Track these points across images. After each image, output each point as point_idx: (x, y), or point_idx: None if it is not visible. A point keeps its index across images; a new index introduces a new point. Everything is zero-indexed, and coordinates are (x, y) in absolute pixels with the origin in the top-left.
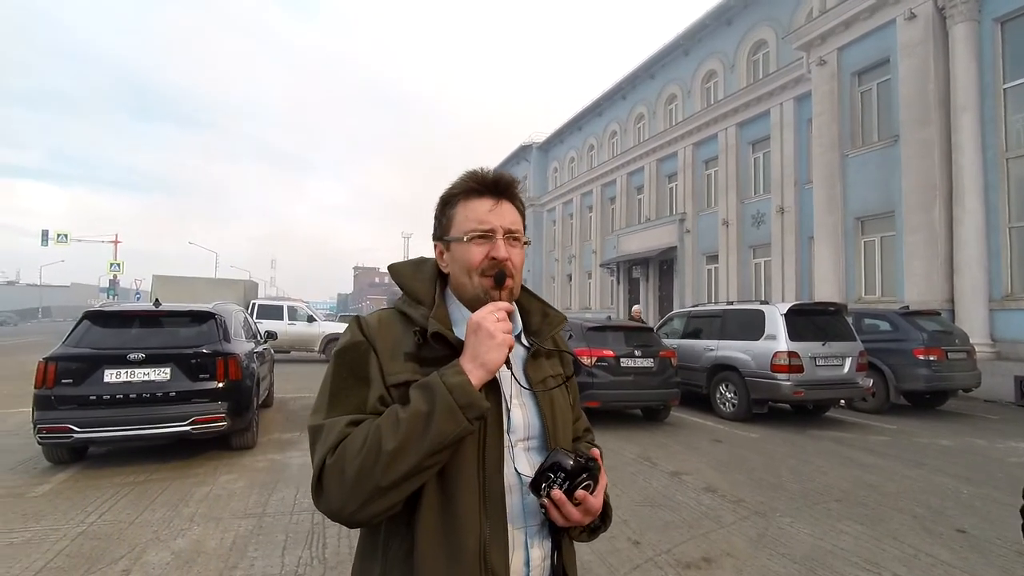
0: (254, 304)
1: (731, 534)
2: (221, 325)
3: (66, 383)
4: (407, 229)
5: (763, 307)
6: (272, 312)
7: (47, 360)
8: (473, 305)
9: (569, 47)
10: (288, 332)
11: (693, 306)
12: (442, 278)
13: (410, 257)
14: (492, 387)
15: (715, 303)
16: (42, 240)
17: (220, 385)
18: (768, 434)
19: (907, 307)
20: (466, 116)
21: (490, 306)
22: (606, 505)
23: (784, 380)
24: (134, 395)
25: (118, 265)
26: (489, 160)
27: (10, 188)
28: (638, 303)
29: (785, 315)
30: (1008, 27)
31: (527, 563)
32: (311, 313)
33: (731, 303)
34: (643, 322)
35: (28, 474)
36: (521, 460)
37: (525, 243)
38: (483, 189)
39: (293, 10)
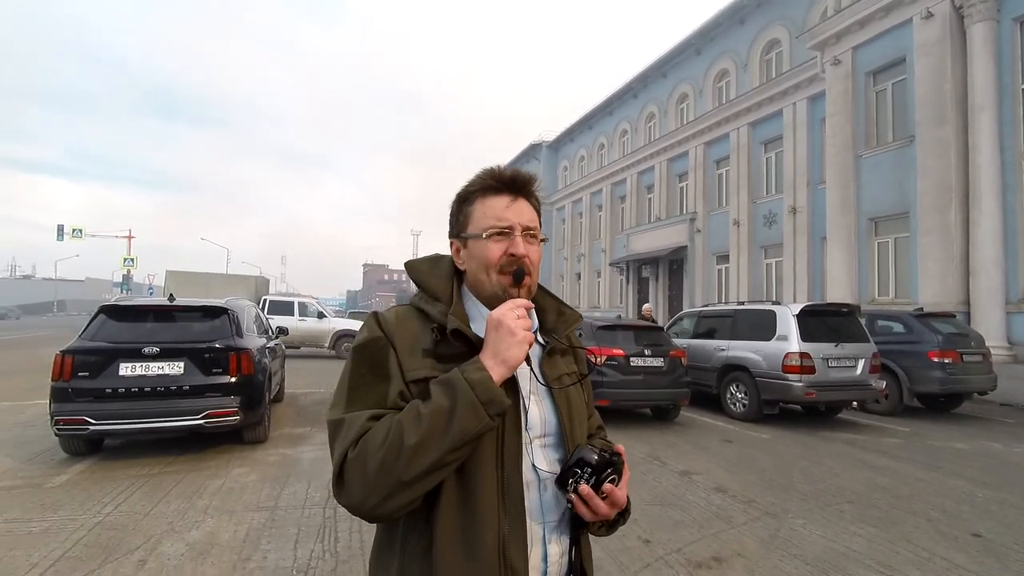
0: (265, 300)
1: (742, 534)
2: (234, 320)
3: (82, 376)
4: (416, 227)
5: (775, 307)
6: (283, 308)
7: (64, 353)
8: (491, 302)
9: (580, 46)
10: (298, 328)
11: (703, 306)
12: (458, 275)
13: (419, 254)
14: (510, 384)
15: (726, 303)
16: (58, 235)
17: (233, 380)
18: (779, 435)
19: (921, 309)
20: (476, 115)
21: (510, 303)
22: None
23: (796, 381)
24: (148, 388)
25: (132, 260)
26: (499, 159)
27: (31, 184)
28: (648, 302)
29: (797, 316)
30: None
31: (545, 559)
32: (321, 309)
33: (742, 303)
34: (653, 321)
35: (46, 465)
36: (538, 456)
37: (542, 240)
38: (501, 186)
39: (308, 12)
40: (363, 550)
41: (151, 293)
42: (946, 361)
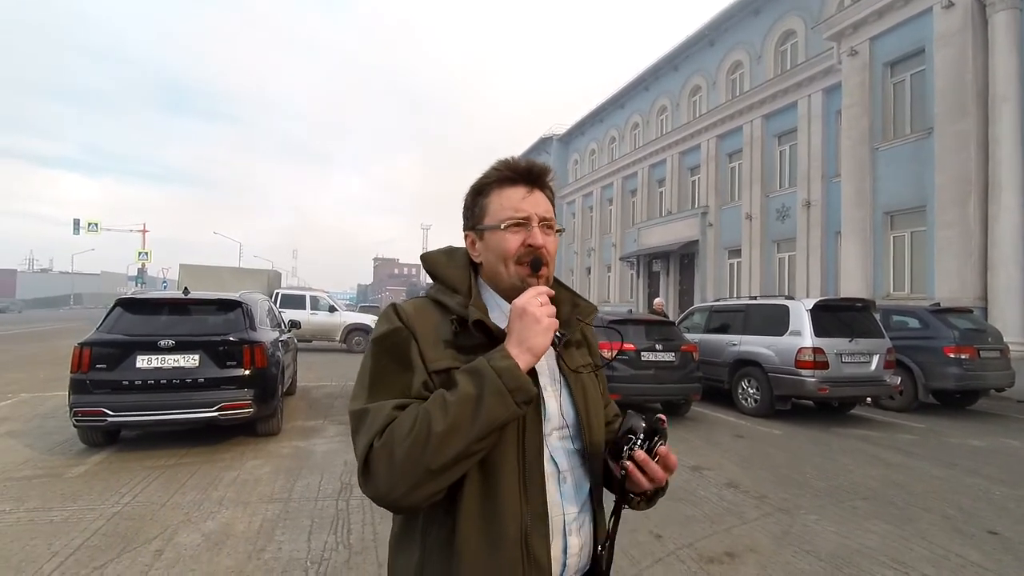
0: (277, 294)
1: (754, 530)
2: (247, 313)
3: (100, 368)
4: (427, 221)
5: (788, 302)
6: (295, 302)
7: (82, 345)
8: (508, 293)
9: (592, 39)
10: (310, 322)
11: (715, 300)
12: (473, 267)
13: (429, 248)
14: (530, 375)
15: (738, 298)
16: (74, 229)
17: (247, 372)
18: (792, 431)
19: (938, 304)
20: (487, 108)
21: (532, 291)
22: None
23: (809, 376)
24: (165, 381)
25: (146, 254)
26: (509, 152)
27: (51, 179)
28: (659, 297)
29: (811, 310)
30: None
31: (565, 550)
32: (333, 303)
33: (755, 298)
34: (665, 315)
35: (65, 455)
36: (556, 448)
37: (558, 231)
38: (517, 177)
39: (319, 5)
40: (376, 542)
41: (165, 286)
42: (963, 357)
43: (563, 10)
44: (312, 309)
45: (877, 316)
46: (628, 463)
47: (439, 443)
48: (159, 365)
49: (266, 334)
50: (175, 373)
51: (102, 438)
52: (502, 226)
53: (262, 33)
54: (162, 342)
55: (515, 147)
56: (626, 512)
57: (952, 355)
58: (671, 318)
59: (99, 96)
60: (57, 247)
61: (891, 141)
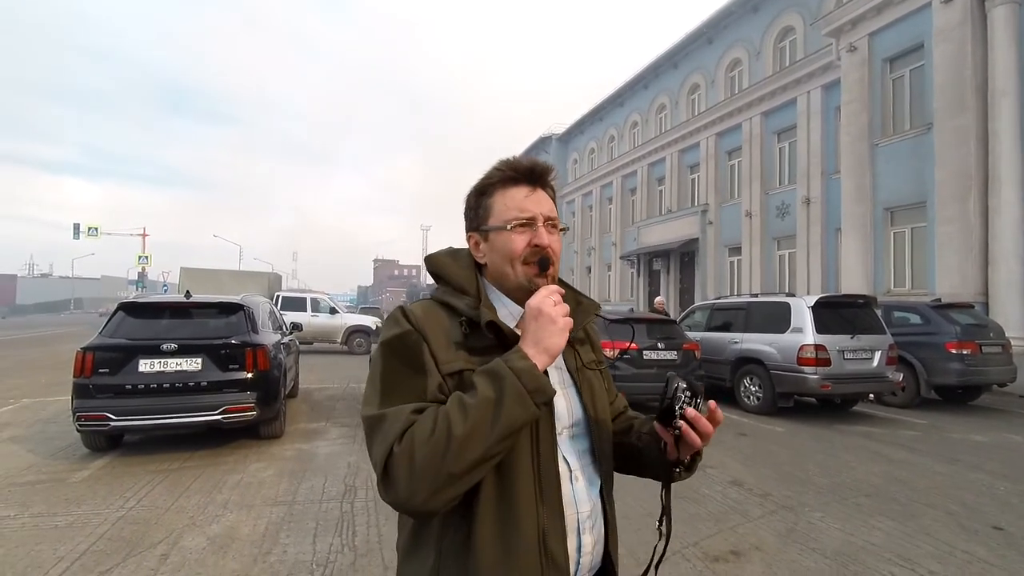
0: (278, 296)
1: (759, 528)
2: (249, 316)
3: (103, 372)
4: (426, 222)
5: (789, 299)
6: (296, 304)
7: (85, 350)
8: (515, 294)
9: (591, 38)
10: (311, 324)
11: (716, 298)
12: (477, 268)
13: (429, 249)
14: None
15: (738, 295)
16: (74, 233)
17: (249, 375)
18: (794, 428)
19: (939, 300)
20: (486, 108)
21: (544, 291)
22: None
23: (811, 373)
24: (167, 384)
25: (146, 258)
26: (508, 152)
27: (52, 184)
28: (659, 295)
29: (812, 307)
30: None
31: (579, 549)
32: (333, 305)
33: (756, 295)
34: (666, 314)
35: (68, 460)
36: (566, 447)
37: (562, 230)
38: (520, 177)
39: (318, 6)
40: (381, 544)
41: (165, 290)
42: (964, 352)
43: (562, 9)
44: (313, 311)
45: (878, 312)
46: (682, 422)
47: (460, 447)
48: (162, 369)
49: (268, 337)
50: (178, 377)
51: (105, 442)
52: (508, 227)
53: (262, 33)
54: (165, 346)
55: (514, 146)
56: (629, 511)
57: (954, 351)
58: (672, 316)
59: (100, 97)
60: (57, 252)
61: (891, 137)
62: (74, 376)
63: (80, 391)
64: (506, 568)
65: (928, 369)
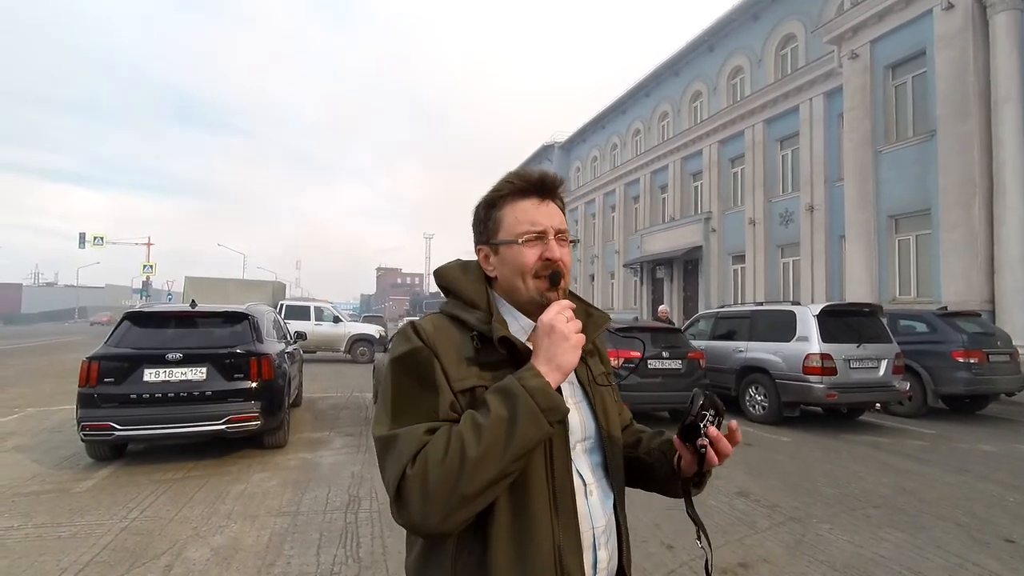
0: (282, 305)
1: (767, 540)
2: (254, 326)
3: (108, 382)
4: (429, 230)
5: (795, 308)
6: (299, 313)
7: (90, 359)
8: (527, 308)
9: (593, 46)
10: (315, 332)
11: (721, 307)
12: (486, 281)
13: (432, 257)
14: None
15: (742, 304)
16: (80, 243)
17: (254, 385)
18: (800, 438)
19: (945, 308)
20: (488, 116)
21: (555, 306)
22: None
23: (817, 383)
24: (172, 394)
25: (151, 267)
26: (511, 160)
27: (58, 194)
28: (663, 303)
29: (818, 316)
30: None
31: (595, 564)
32: (337, 314)
33: (760, 304)
34: (670, 322)
35: (72, 470)
36: (579, 461)
37: (572, 242)
38: (530, 189)
39: (323, 17)
40: (385, 555)
41: (170, 299)
42: (972, 361)
43: (566, 19)
44: (316, 320)
45: (884, 321)
46: (706, 441)
47: (474, 468)
48: (167, 378)
49: (273, 346)
50: (182, 386)
51: (109, 452)
52: (519, 240)
53: (266, 43)
54: (170, 355)
55: (517, 153)
56: (635, 523)
57: (961, 359)
58: (676, 325)
59: (106, 107)
60: (63, 261)
61: (894, 144)
62: (79, 385)
63: (85, 400)
64: None
65: (935, 378)
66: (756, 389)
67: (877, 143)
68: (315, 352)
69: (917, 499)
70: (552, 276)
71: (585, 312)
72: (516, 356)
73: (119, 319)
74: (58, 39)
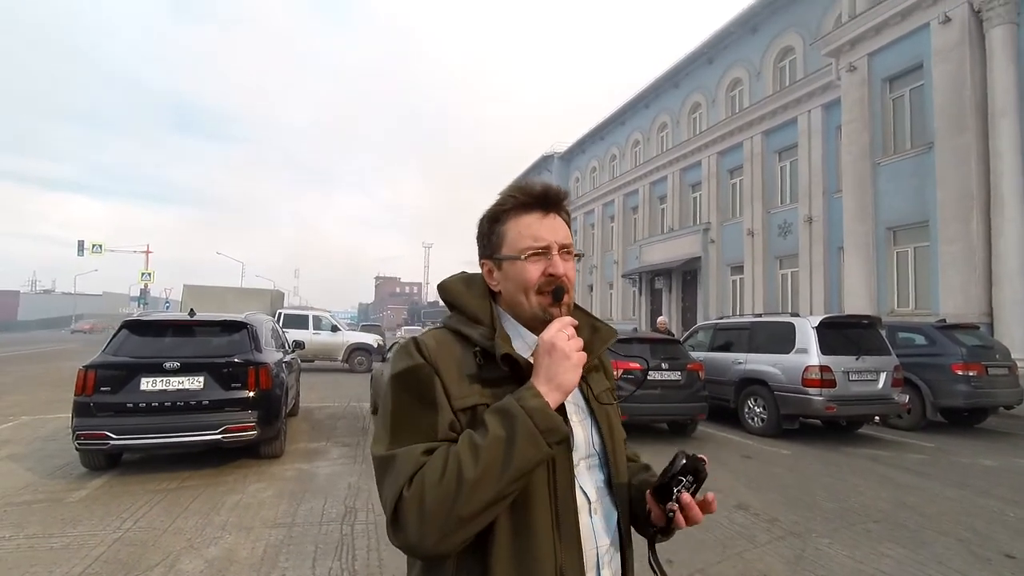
0: (280, 314)
1: (766, 554)
2: (253, 335)
3: (104, 391)
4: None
5: (794, 319)
6: (298, 321)
7: (87, 368)
8: (530, 323)
9: (593, 57)
10: (313, 341)
11: (719, 318)
12: (491, 295)
13: (430, 267)
14: (558, 409)
15: (741, 315)
16: (78, 250)
17: (251, 394)
18: (800, 451)
19: (944, 320)
20: (489, 125)
21: (557, 324)
22: None
23: (816, 395)
24: (169, 403)
25: (149, 275)
26: (511, 170)
27: (58, 202)
28: (662, 314)
29: (817, 328)
30: None
31: None
32: (335, 323)
33: (759, 315)
34: (669, 333)
35: (65, 479)
36: (584, 478)
37: (577, 256)
38: (533, 203)
39: (322, 26)
40: (381, 568)
41: (167, 307)
42: (971, 374)
43: (566, 29)
44: (315, 329)
45: (883, 333)
46: (675, 506)
47: (471, 490)
48: (164, 387)
49: (271, 355)
50: (179, 395)
51: (104, 461)
52: (522, 256)
53: (266, 51)
54: (167, 364)
55: (517, 163)
56: (635, 538)
57: (960, 372)
58: (675, 336)
59: (105, 116)
60: (60, 268)
61: (891, 156)
62: (75, 394)
63: (80, 409)
64: None
65: (934, 391)
66: (755, 401)
67: (875, 155)
68: (313, 361)
69: (917, 514)
70: (555, 292)
71: (591, 326)
72: (519, 373)
73: (117, 327)
74: (61, 50)
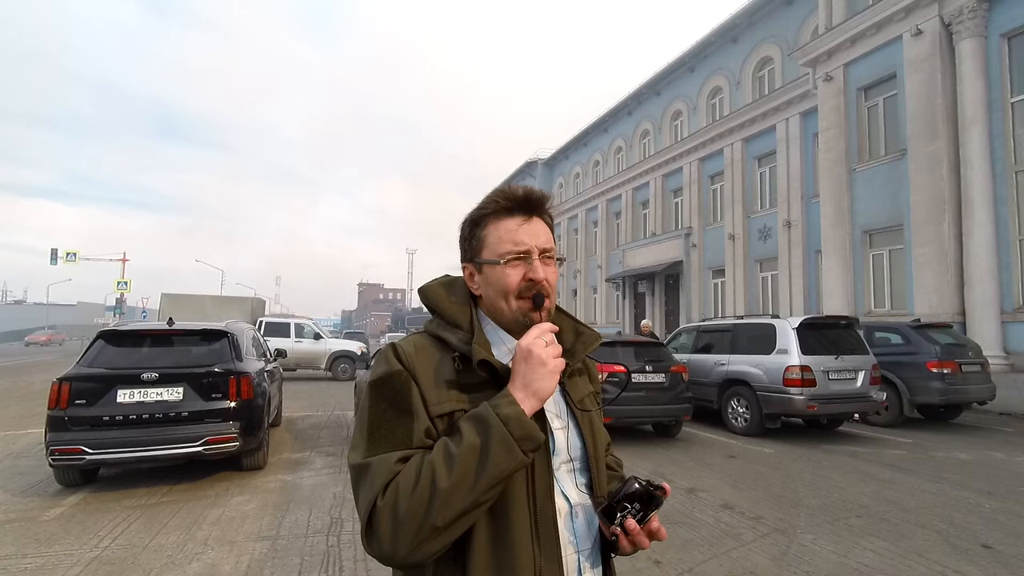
0: (261, 322)
1: (752, 552)
2: (233, 343)
3: (79, 404)
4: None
5: (774, 321)
6: (279, 329)
7: (61, 380)
8: (511, 327)
9: (575, 65)
10: (295, 350)
11: (702, 320)
12: (472, 299)
13: (414, 273)
14: (537, 411)
15: (723, 317)
16: (51, 259)
17: (232, 405)
18: (782, 449)
19: (919, 320)
20: (472, 132)
21: (535, 330)
22: None
23: (797, 394)
24: (147, 415)
25: (125, 283)
26: (494, 176)
27: (32, 209)
28: (645, 318)
29: (797, 329)
30: (1015, 42)
31: None
32: (318, 330)
33: (741, 317)
34: (653, 336)
35: (39, 497)
36: (566, 482)
37: (558, 260)
38: (514, 207)
39: (307, 39)
40: None
41: (144, 317)
42: (945, 371)
43: (548, 38)
44: (297, 337)
45: (861, 333)
46: (618, 530)
47: (445, 499)
48: (141, 399)
49: (252, 364)
50: (158, 407)
51: (79, 477)
52: (502, 260)
53: (248, 58)
54: (145, 375)
55: (501, 168)
56: None
57: (935, 370)
58: (659, 339)
59: (82, 122)
60: (33, 277)
61: (867, 162)
62: (49, 408)
63: (54, 424)
64: None
65: (910, 388)
66: (738, 401)
67: (851, 162)
68: (295, 370)
69: (898, 508)
70: (535, 297)
71: (575, 331)
72: (497, 378)
73: (93, 338)
74: (36, 54)
